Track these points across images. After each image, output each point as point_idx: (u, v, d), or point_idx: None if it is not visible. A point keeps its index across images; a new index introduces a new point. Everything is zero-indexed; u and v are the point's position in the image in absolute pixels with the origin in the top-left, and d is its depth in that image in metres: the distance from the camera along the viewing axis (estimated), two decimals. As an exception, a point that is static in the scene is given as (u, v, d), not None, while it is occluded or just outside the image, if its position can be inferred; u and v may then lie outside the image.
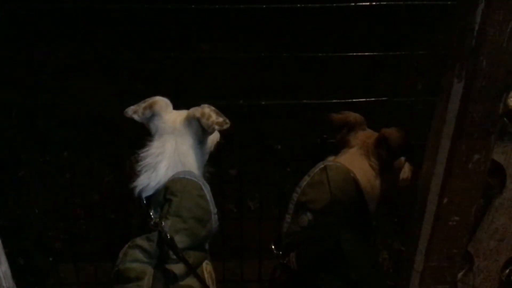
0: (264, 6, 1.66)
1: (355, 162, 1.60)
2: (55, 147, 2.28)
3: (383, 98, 1.85)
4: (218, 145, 1.67)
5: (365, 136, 1.66)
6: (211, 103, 1.59)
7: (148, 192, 1.47)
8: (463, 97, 1.28)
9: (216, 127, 1.50)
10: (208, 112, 1.51)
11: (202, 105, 1.54)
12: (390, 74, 1.93)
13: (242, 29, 1.73)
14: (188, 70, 2.12)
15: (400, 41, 1.95)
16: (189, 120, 1.53)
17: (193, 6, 1.66)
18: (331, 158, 1.64)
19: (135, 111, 1.55)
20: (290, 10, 1.71)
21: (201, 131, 1.54)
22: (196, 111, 1.52)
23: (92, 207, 2.35)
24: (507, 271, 1.73)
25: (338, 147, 1.69)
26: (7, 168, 2.28)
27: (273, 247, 1.52)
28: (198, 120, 1.51)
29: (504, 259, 1.69)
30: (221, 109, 1.61)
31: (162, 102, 1.56)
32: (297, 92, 1.87)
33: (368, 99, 1.81)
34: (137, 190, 1.47)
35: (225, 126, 1.51)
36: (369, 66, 1.97)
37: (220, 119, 1.50)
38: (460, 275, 1.71)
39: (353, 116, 1.68)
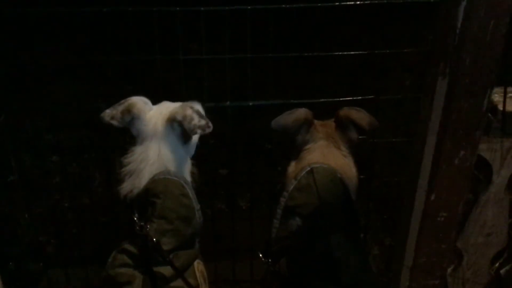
0: (249, 7, 1.66)
1: (329, 156, 1.55)
2: (45, 151, 2.27)
3: (371, 96, 1.86)
4: (209, 144, 1.66)
5: (323, 126, 1.61)
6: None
7: (133, 197, 1.44)
8: (447, 94, 1.30)
9: (199, 130, 1.44)
10: (190, 115, 1.44)
11: (184, 104, 1.47)
12: (377, 72, 1.93)
13: (229, 29, 1.73)
14: (177, 70, 2.11)
15: (387, 38, 1.96)
16: (171, 123, 1.47)
17: (177, 8, 1.65)
18: (292, 163, 1.59)
19: (112, 117, 1.46)
20: (277, 10, 1.72)
21: (183, 133, 1.49)
22: (177, 113, 1.45)
23: (82, 211, 2.34)
24: (497, 264, 1.75)
25: (296, 149, 1.61)
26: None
27: (261, 255, 1.47)
28: (180, 123, 1.45)
29: (493, 253, 1.71)
30: (211, 109, 1.59)
31: (140, 103, 1.48)
32: (285, 91, 1.87)
33: (355, 98, 1.81)
34: (122, 195, 1.45)
35: (208, 130, 1.44)
36: (356, 65, 1.98)
37: (203, 122, 1.44)
38: (449, 270, 1.73)
39: (303, 112, 1.59)
